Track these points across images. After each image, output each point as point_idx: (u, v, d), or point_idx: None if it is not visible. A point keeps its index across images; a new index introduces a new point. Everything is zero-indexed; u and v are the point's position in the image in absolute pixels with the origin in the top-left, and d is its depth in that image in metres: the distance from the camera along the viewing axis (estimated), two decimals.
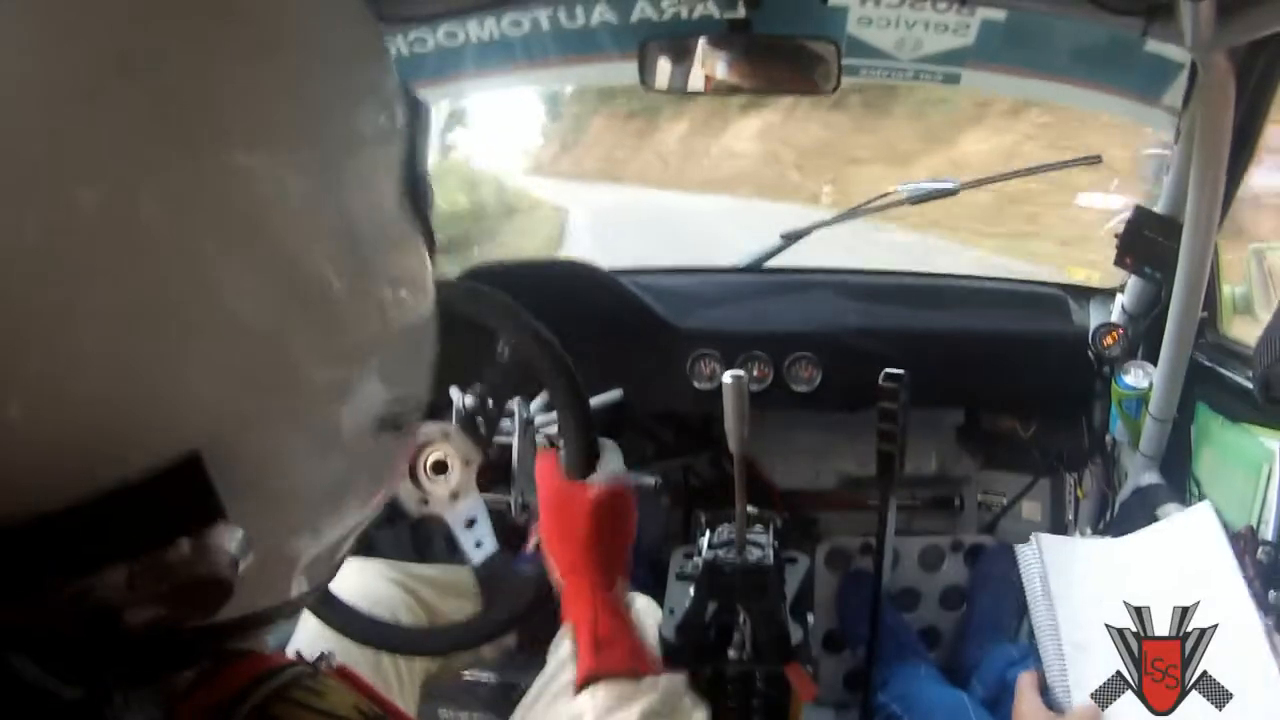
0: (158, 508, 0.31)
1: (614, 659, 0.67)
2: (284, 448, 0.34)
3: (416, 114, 0.39)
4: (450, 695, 1.14)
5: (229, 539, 0.32)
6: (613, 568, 0.73)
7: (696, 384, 1.41)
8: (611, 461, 0.77)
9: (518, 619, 0.89)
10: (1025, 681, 0.86)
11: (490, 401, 0.88)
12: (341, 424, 0.36)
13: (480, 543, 0.87)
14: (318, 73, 0.34)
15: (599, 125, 14.61)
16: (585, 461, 0.76)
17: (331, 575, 0.43)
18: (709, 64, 1.12)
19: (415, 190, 0.38)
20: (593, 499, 0.73)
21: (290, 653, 0.74)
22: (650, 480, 1.00)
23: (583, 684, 0.66)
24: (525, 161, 13.54)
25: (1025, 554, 1.04)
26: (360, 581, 0.97)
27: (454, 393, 1.11)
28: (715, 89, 1.15)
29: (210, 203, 0.30)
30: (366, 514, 0.42)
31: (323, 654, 0.46)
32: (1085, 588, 0.91)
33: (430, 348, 0.42)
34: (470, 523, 0.87)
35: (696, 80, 1.13)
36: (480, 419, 0.87)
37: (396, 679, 0.96)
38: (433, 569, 1.09)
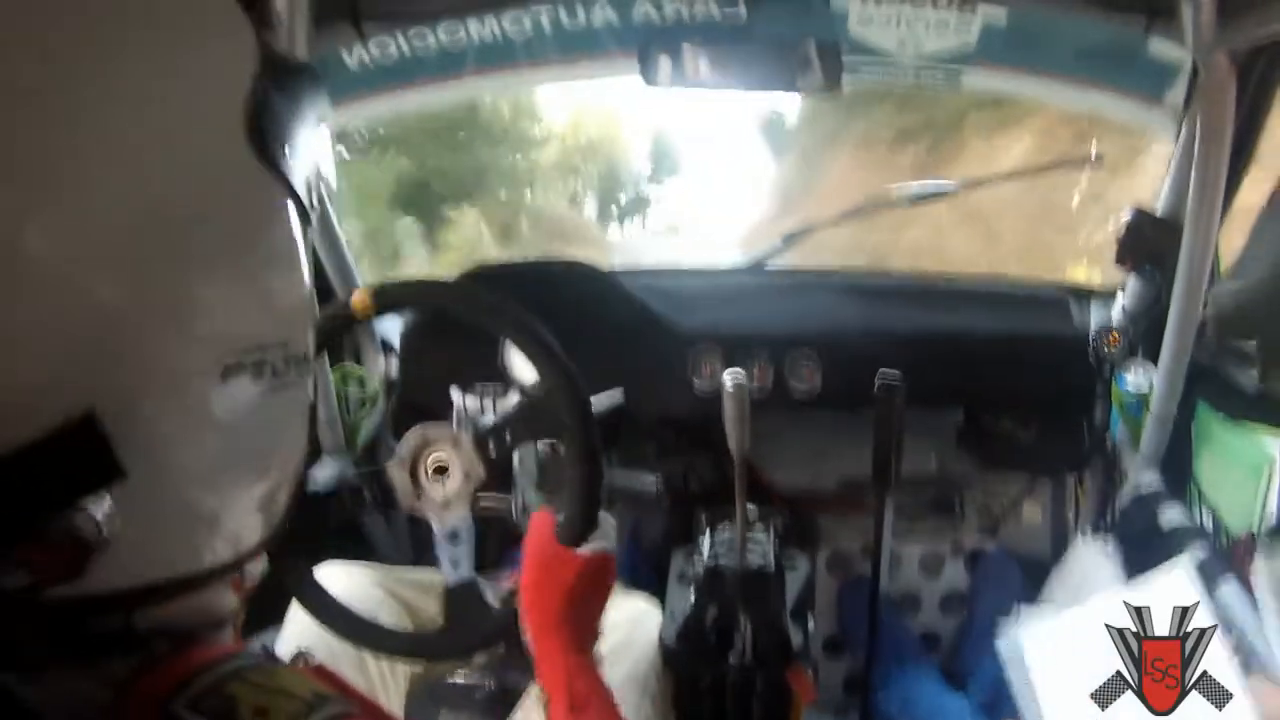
0: (60, 467, 0.32)
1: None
2: (144, 404, 0.35)
3: (283, 69, 0.41)
4: (450, 699, 1.13)
5: (94, 503, 0.33)
6: (587, 632, 0.73)
7: (697, 384, 1.41)
8: (605, 533, 0.77)
9: (476, 649, 0.88)
10: None
11: (507, 435, 0.88)
12: (191, 370, 0.36)
13: (458, 563, 0.86)
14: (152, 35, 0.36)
15: None
16: (582, 531, 0.76)
17: (252, 545, 0.42)
18: (710, 63, 1.11)
19: (263, 135, 0.38)
20: (580, 567, 0.73)
21: (280, 650, 0.74)
22: (651, 482, 1.00)
23: None
24: None
25: (1005, 647, 1.03)
26: (343, 585, 0.97)
27: (455, 394, 1.11)
28: (714, 89, 1.14)
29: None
30: (274, 478, 0.42)
31: (300, 651, 0.46)
32: (1070, 666, 0.92)
33: (286, 293, 0.41)
34: (453, 537, 0.86)
35: (697, 80, 1.12)
36: (492, 443, 0.87)
37: (380, 679, 0.96)
38: (418, 572, 1.08)
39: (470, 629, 0.85)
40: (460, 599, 0.86)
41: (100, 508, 0.34)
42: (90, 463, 0.33)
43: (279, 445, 0.42)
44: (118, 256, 0.34)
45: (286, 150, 0.40)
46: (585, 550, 0.75)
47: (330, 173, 0.47)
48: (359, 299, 0.82)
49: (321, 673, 0.44)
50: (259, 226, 0.39)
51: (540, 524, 0.76)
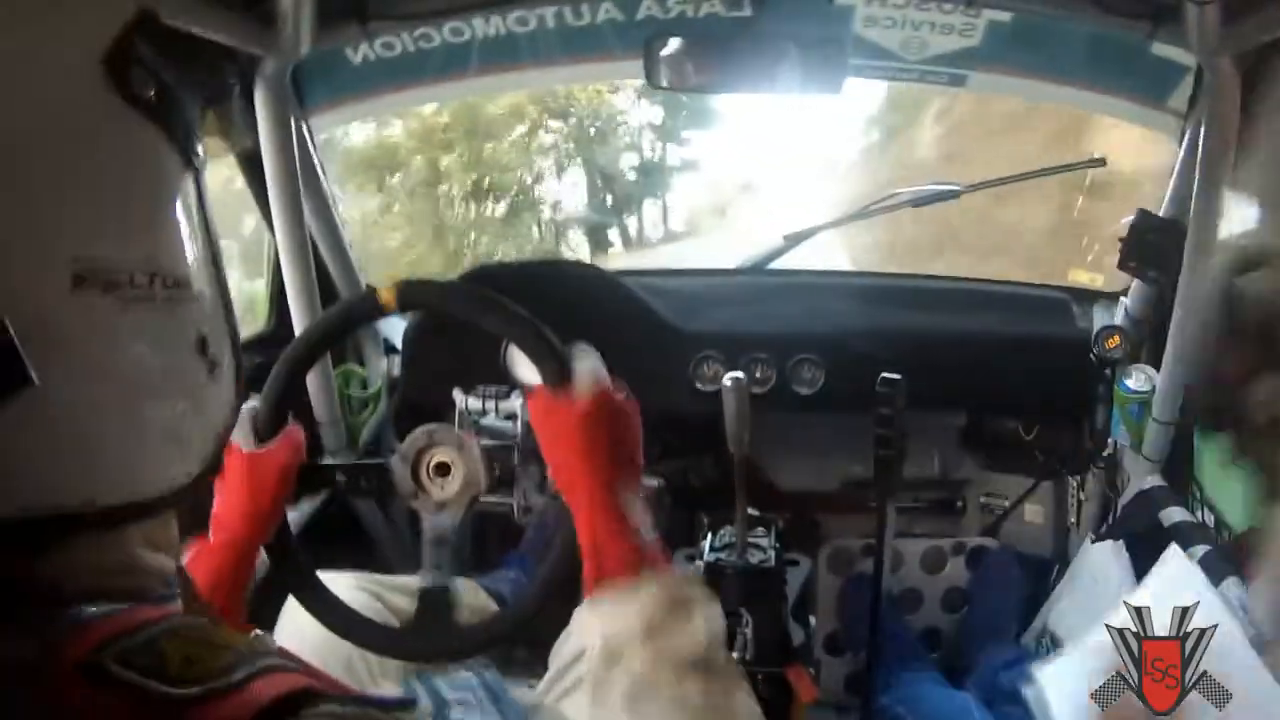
0: None
1: (611, 565, 0.66)
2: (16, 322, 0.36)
3: (160, 34, 0.43)
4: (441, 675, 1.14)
5: None
6: (613, 477, 0.70)
7: (699, 385, 1.41)
8: (591, 367, 0.74)
9: (439, 657, 0.87)
10: None
11: (515, 455, 0.88)
12: (45, 285, 0.37)
13: (439, 566, 0.86)
14: None
15: None
16: (555, 367, 0.73)
17: (162, 487, 0.42)
18: (714, 63, 1.11)
19: (126, 74, 0.41)
20: (578, 408, 0.71)
21: None
22: (653, 482, 1.00)
23: (590, 597, 0.66)
24: None
25: (1030, 696, 1.03)
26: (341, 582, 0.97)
27: (457, 394, 1.11)
28: (719, 88, 1.15)
29: None
30: (169, 409, 0.42)
31: (257, 633, 0.46)
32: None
33: (151, 221, 0.42)
34: (439, 541, 0.86)
35: (701, 79, 1.12)
36: (498, 467, 0.87)
37: (369, 677, 0.96)
38: (407, 575, 1.08)
39: (435, 635, 0.84)
40: (433, 602, 0.84)
41: None
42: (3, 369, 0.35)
43: (169, 375, 0.42)
44: None
45: (154, 94, 0.42)
46: (580, 388, 0.72)
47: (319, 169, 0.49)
48: (386, 293, 0.81)
49: (283, 653, 0.44)
50: (113, 159, 0.41)
51: (535, 391, 0.74)
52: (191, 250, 0.44)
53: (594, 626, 0.64)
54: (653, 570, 0.66)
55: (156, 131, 0.42)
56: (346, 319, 0.93)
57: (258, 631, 0.74)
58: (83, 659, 0.35)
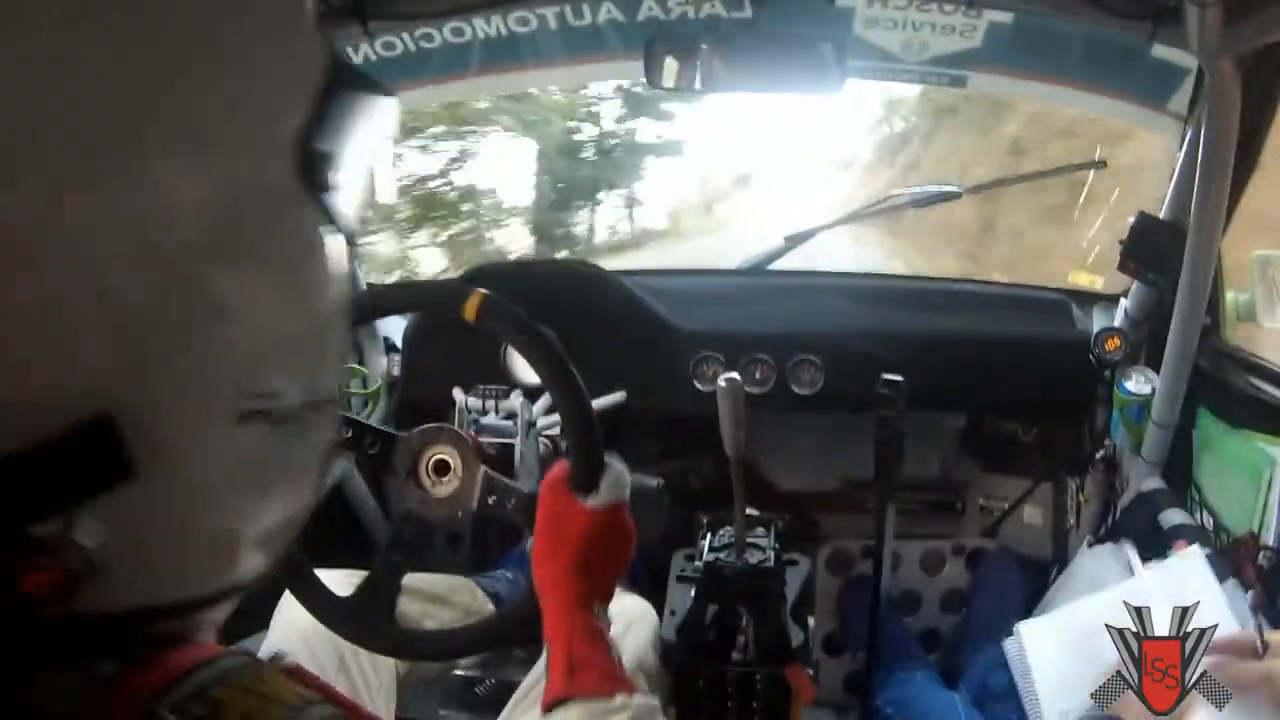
0: (74, 465, 0.32)
1: (585, 682, 0.65)
2: (159, 416, 0.34)
3: (336, 90, 0.38)
4: (449, 695, 1.14)
5: (87, 527, 0.33)
6: (596, 590, 0.70)
7: (699, 385, 1.41)
8: (617, 481, 0.73)
9: (449, 656, 0.87)
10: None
11: (510, 500, 0.87)
12: (207, 394, 0.35)
13: (396, 558, 0.86)
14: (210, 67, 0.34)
15: None
16: (587, 474, 0.72)
17: (252, 576, 0.41)
18: (715, 63, 1.11)
19: (313, 170, 0.37)
20: (589, 516, 0.70)
21: (261, 652, 0.74)
22: (652, 482, 1.00)
23: (549, 705, 0.65)
24: None
25: (1010, 648, 1.04)
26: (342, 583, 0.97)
27: (456, 393, 1.11)
28: (720, 89, 1.15)
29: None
30: (284, 511, 0.41)
31: (275, 654, 0.45)
32: (1068, 663, 0.92)
33: (316, 327, 0.39)
34: (428, 541, 0.85)
35: (702, 80, 1.13)
36: (494, 495, 0.86)
37: (361, 677, 0.96)
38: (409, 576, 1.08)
39: (364, 621, 0.83)
40: (373, 589, 0.84)
41: (92, 532, 0.33)
42: (102, 462, 0.33)
43: (292, 482, 0.41)
44: (149, 258, 0.33)
45: (337, 177, 0.38)
46: (598, 502, 0.71)
47: (389, 188, 0.45)
48: (473, 302, 0.77)
49: (300, 674, 0.44)
50: (295, 250, 0.38)
51: (554, 474, 0.73)
52: (340, 353, 0.42)
53: None
54: (625, 692, 0.66)
55: (329, 219, 0.38)
56: (422, 300, 0.91)
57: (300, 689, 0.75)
58: (139, 707, 0.34)
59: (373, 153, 0.41)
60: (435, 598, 1.06)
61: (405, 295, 0.90)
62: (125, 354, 0.33)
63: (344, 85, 0.38)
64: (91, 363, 0.32)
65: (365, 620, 0.83)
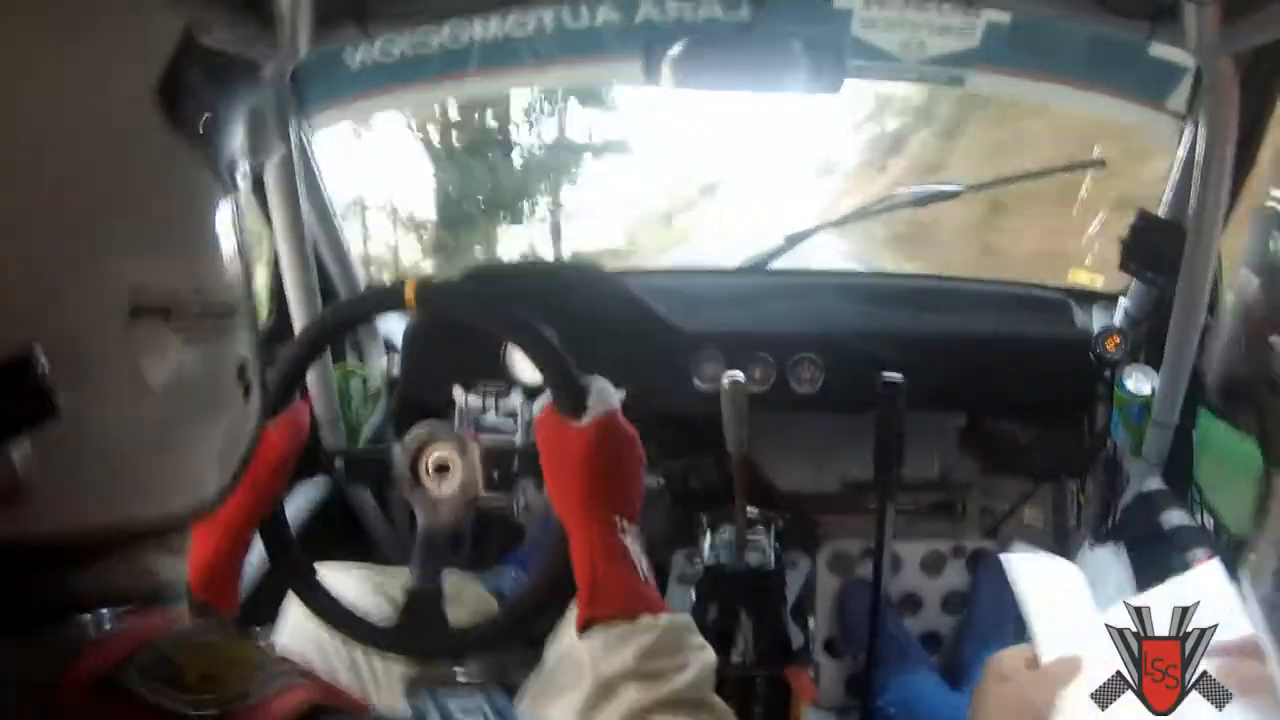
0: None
1: (610, 602, 0.66)
2: (68, 351, 0.36)
3: (207, 56, 0.43)
4: (451, 696, 1.13)
5: (13, 445, 0.35)
6: (612, 506, 0.70)
7: (699, 385, 1.41)
8: (603, 395, 0.74)
9: (447, 656, 0.87)
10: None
11: (515, 462, 0.87)
12: (103, 316, 0.38)
13: (428, 565, 0.85)
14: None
15: None
16: (570, 396, 0.73)
17: (192, 504, 0.42)
18: (713, 63, 1.11)
19: (177, 106, 0.41)
20: (585, 432, 0.71)
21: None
22: (653, 482, 1.00)
23: (581, 629, 0.65)
24: None
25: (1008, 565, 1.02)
26: (341, 586, 0.97)
27: (456, 392, 1.11)
28: (718, 88, 1.15)
29: None
30: (209, 433, 0.43)
31: (265, 642, 0.46)
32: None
33: (201, 250, 0.43)
34: (431, 540, 0.85)
35: (700, 80, 1.13)
36: (497, 472, 0.87)
37: (372, 678, 0.96)
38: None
39: (427, 634, 0.84)
40: (421, 603, 0.84)
41: (17, 449, 0.35)
42: (24, 400, 0.34)
43: (212, 399, 0.43)
44: (23, 215, 0.35)
45: (204, 124, 0.42)
46: (589, 418, 0.72)
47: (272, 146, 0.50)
48: (410, 291, 0.80)
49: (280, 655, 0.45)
50: (167, 189, 0.41)
51: (544, 409, 0.74)
52: (234, 276, 0.44)
53: (586, 661, 0.65)
54: (649, 611, 0.66)
55: (203, 158, 0.43)
56: (367, 305, 0.93)
57: (265, 641, 0.74)
58: (99, 673, 0.35)
59: (238, 113, 0.46)
60: (454, 599, 1.06)
61: (350, 306, 0.92)
62: (19, 301, 0.35)
63: (205, 54, 0.43)
64: None
65: (423, 642, 0.84)
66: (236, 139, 0.46)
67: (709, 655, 0.67)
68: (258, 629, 0.95)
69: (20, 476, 0.35)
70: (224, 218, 0.44)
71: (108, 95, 0.39)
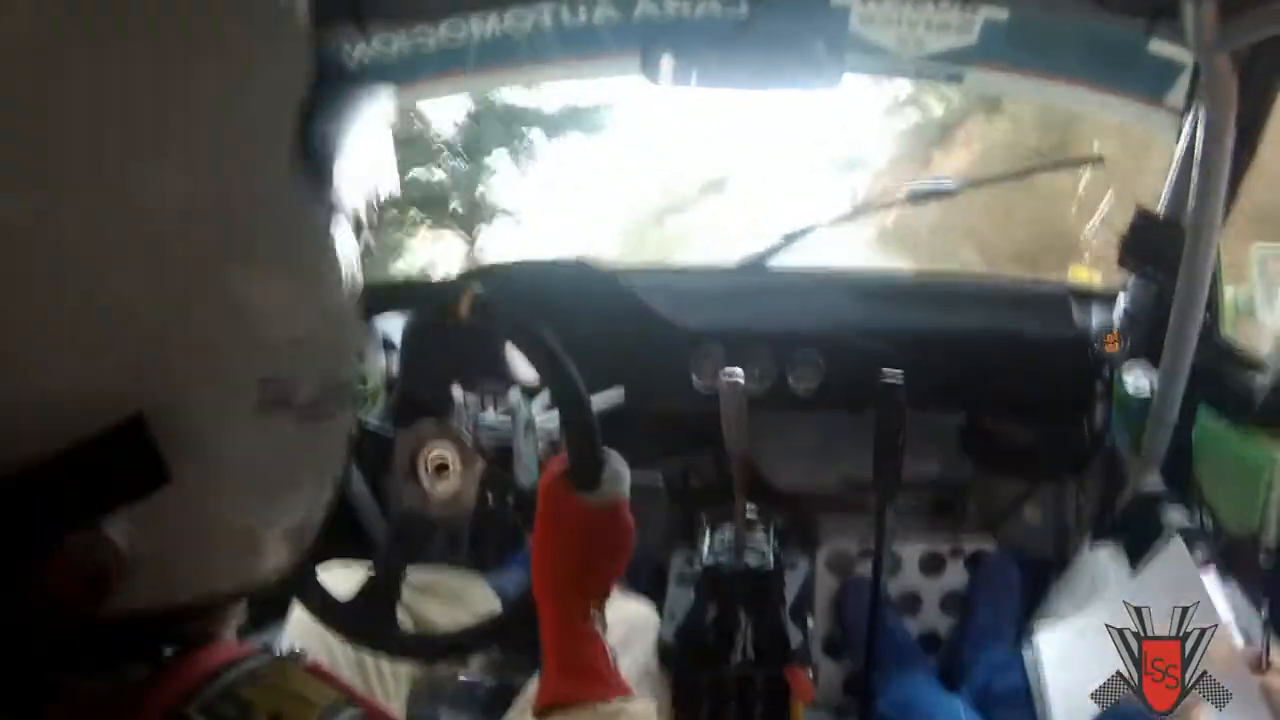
0: (108, 469, 0.32)
1: (579, 686, 0.64)
2: (183, 417, 0.34)
3: (327, 86, 0.39)
4: (451, 698, 1.13)
5: (114, 527, 0.33)
6: (592, 592, 0.68)
7: (698, 384, 1.41)
8: (617, 476, 0.71)
9: (419, 659, 0.86)
10: None
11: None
12: (229, 388, 0.36)
13: (396, 556, 0.85)
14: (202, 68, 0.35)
15: None
16: (586, 470, 0.70)
17: (279, 569, 0.41)
18: (711, 61, 1.11)
19: (311, 164, 0.38)
20: (588, 513, 0.68)
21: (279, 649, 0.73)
22: (652, 482, 1.00)
23: (542, 709, 0.64)
24: None
25: (1027, 658, 1.04)
26: (344, 585, 0.97)
27: (456, 392, 1.10)
28: (716, 85, 1.14)
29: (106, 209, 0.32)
30: (308, 503, 0.41)
31: (295, 650, 0.46)
32: (1083, 671, 0.91)
33: (330, 316, 0.40)
34: (426, 539, 0.85)
35: (698, 77, 1.12)
36: (491, 492, 0.86)
37: (379, 679, 0.95)
38: (416, 573, 1.08)
39: (367, 625, 0.83)
40: (373, 592, 0.83)
41: (120, 531, 0.33)
42: (137, 466, 0.33)
43: (315, 472, 0.41)
44: (157, 260, 0.33)
45: (338, 166, 0.39)
46: (597, 499, 0.69)
47: (392, 181, 0.45)
48: (466, 303, 0.76)
49: (322, 673, 0.44)
50: (302, 245, 0.39)
51: (552, 470, 0.71)
52: (354, 344, 0.43)
53: None
54: (622, 696, 0.64)
55: (339, 213, 0.39)
56: (416, 298, 0.93)
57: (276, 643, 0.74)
58: (169, 707, 0.35)
59: (369, 144, 0.42)
60: (450, 596, 1.06)
61: (400, 293, 0.91)
62: (143, 356, 0.33)
63: (332, 82, 0.39)
64: (111, 366, 0.33)
65: (366, 624, 0.83)
66: (370, 174, 0.42)
67: None
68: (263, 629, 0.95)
69: (125, 558, 0.33)
70: (355, 275, 0.41)
71: (247, 138, 0.36)
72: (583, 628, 0.67)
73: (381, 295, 0.88)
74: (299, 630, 0.93)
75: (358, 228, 0.41)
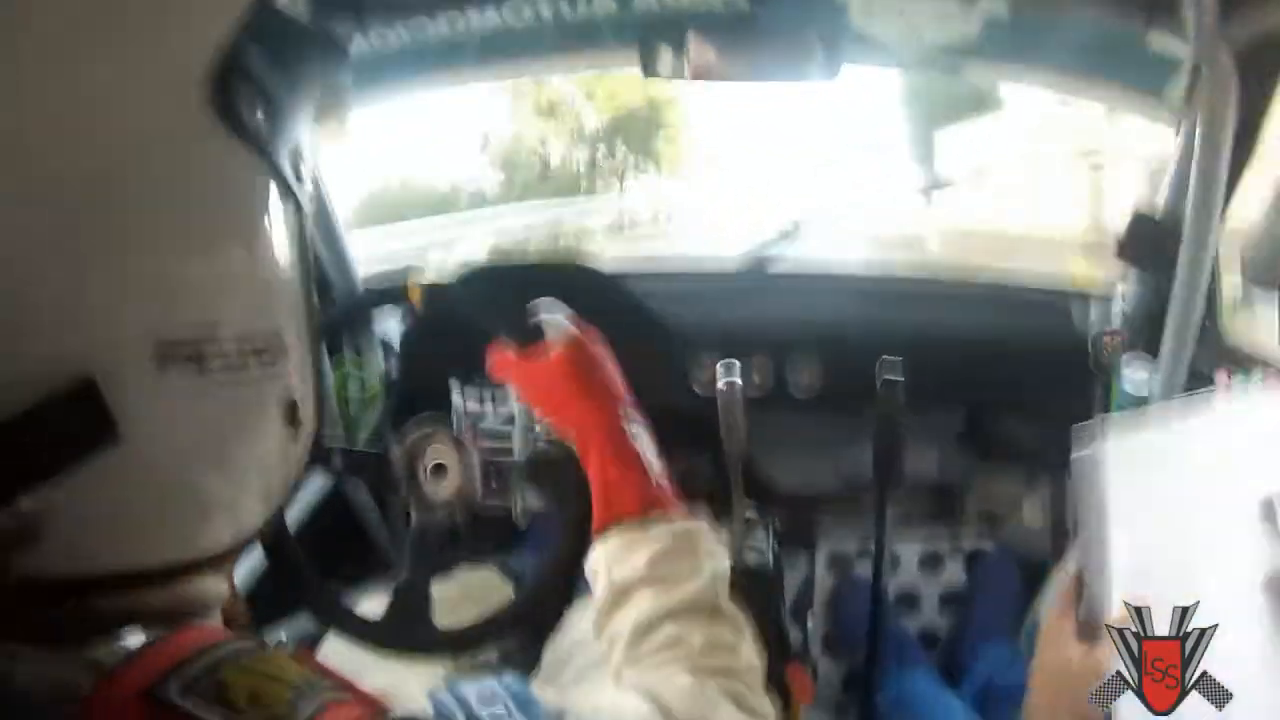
0: (59, 431, 0.32)
1: (621, 505, 0.65)
2: (116, 379, 0.34)
3: (276, 26, 0.38)
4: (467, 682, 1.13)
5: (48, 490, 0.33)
6: (606, 410, 0.70)
7: (696, 384, 1.40)
8: (553, 317, 0.73)
9: (428, 652, 0.86)
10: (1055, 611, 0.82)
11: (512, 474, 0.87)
12: (130, 353, 0.35)
13: (415, 564, 0.85)
14: None
15: None
16: (523, 331, 0.73)
17: (245, 534, 0.41)
18: (710, 54, 1.11)
19: (230, 98, 0.36)
20: (554, 362, 0.70)
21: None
22: None
23: (598, 533, 0.65)
24: None
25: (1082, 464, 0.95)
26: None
27: (454, 396, 1.10)
28: (716, 79, 1.14)
29: None
30: (256, 469, 0.41)
31: (281, 640, 0.45)
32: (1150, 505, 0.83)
33: (247, 275, 0.39)
34: (422, 539, 0.84)
35: (698, 70, 1.12)
36: (494, 480, 0.86)
37: (400, 671, 0.95)
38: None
39: (406, 635, 0.82)
40: (405, 601, 0.83)
41: (47, 494, 0.33)
42: (87, 427, 0.33)
43: (246, 440, 0.40)
44: (58, 231, 0.33)
45: (262, 117, 0.37)
46: (553, 346, 0.72)
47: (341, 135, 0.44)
48: (413, 287, 0.79)
49: (305, 657, 0.44)
50: (215, 198, 0.37)
51: (502, 358, 0.74)
52: (288, 303, 0.41)
53: (601, 568, 0.64)
54: (661, 510, 0.65)
55: (261, 162, 0.38)
56: (370, 298, 0.91)
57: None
58: (145, 687, 0.34)
59: (308, 96, 0.41)
60: (470, 595, 1.06)
61: (358, 297, 0.90)
62: (63, 325, 0.33)
63: (265, 27, 0.37)
64: (10, 327, 0.32)
65: (403, 632, 0.82)
66: (302, 136, 0.40)
67: (722, 561, 0.66)
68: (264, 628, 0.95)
69: (32, 522, 0.33)
70: (278, 236, 0.39)
71: (144, 87, 0.34)
72: (619, 449, 0.67)
73: (342, 303, 0.89)
74: (334, 661, 0.92)
75: (287, 183, 0.40)
